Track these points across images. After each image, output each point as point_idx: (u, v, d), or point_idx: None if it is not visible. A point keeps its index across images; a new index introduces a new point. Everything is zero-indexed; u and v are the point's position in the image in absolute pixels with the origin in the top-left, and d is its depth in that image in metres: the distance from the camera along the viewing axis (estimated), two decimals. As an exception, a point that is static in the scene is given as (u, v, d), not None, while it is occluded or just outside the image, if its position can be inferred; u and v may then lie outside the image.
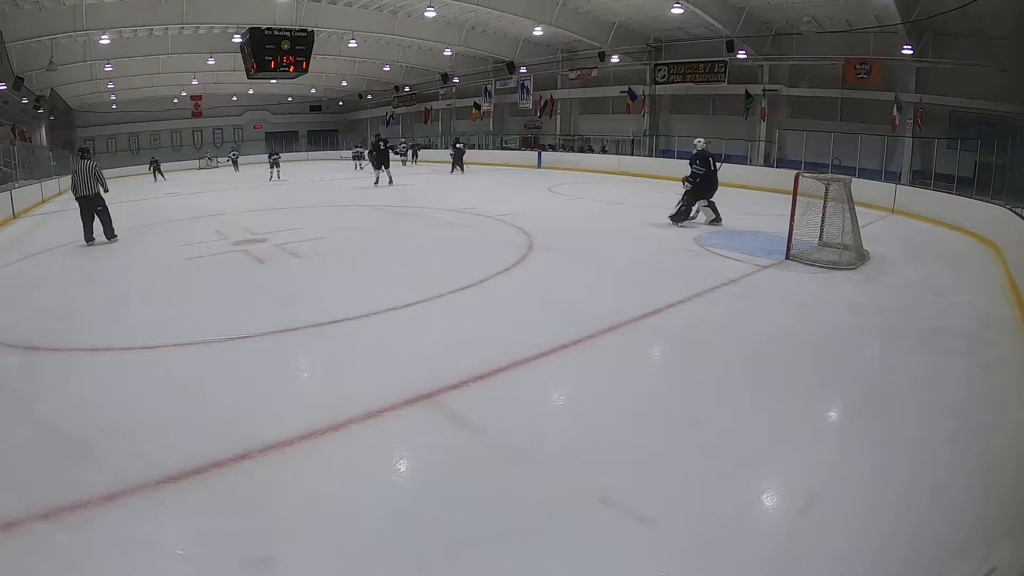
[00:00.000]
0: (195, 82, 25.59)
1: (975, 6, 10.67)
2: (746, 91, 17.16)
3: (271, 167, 20.13)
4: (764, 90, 17.06)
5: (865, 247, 6.65)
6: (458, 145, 19.77)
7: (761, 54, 16.65)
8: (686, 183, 8.72)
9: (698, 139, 8.94)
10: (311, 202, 12.97)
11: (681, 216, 8.64)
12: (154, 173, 22.65)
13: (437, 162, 23.19)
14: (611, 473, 2.62)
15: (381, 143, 15.87)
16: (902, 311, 4.93)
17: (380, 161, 15.47)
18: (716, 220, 8.68)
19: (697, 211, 8.76)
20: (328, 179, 18.73)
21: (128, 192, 16.75)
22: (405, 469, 2.81)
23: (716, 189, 8.79)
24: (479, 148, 24.19)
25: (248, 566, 2.08)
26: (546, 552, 2.15)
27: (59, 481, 2.53)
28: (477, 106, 25.65)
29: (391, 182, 15.27)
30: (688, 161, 8.81)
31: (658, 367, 4.17)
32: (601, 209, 11.07)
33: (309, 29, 13.54)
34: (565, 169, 19.41)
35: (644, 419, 3.16)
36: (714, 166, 8.64)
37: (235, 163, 26.15)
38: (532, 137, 24.60)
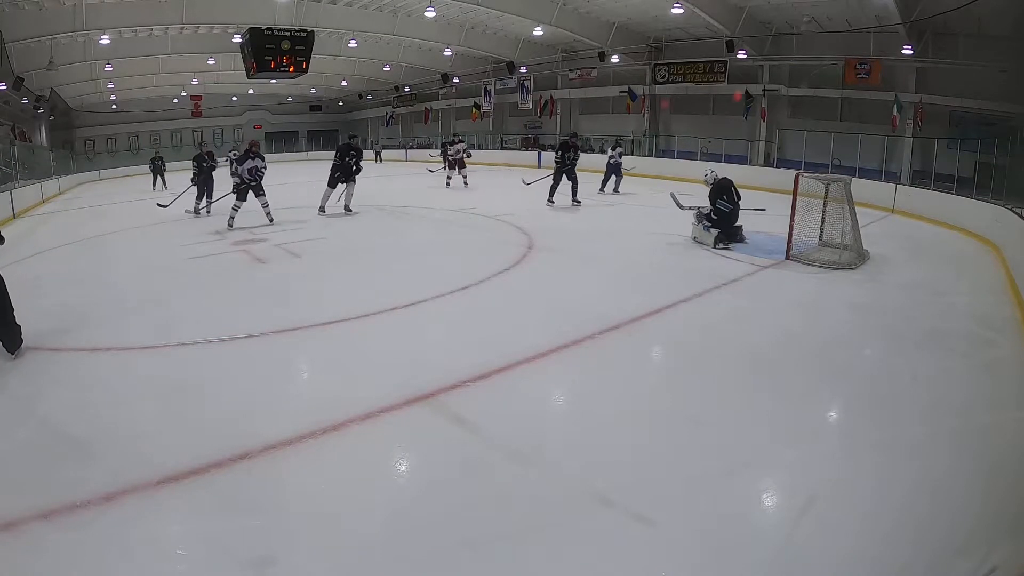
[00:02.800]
0: (195, 82, 25.57)
1: (975, 6, 10.67)
2: (746, 91, 17.16)
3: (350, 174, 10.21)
4: (764, 90, 17.05)
5: (865, 247, 6.65)
6: (573, 141, 11.03)
7: (761, 54, 16.64)
8: (701, 217, 7.47)
9: (709, 170, 7.69)
10: (312, 202, 12.95)
11: (728, 238, 7.30)
12: (154, 176, 17.43)
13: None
14: (611, 473, 2.62)
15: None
16: (902, 311, 4.93)
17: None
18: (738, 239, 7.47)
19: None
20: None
21: (129, 192, 16.75)
22: (405, 469, 2.81)
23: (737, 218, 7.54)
24: (479, 148, 24.18)
25: (248, 566, 2.08)
26: (546, 552, 2.15)
27: (59, 481, 2.53)
28: (477, 106, 25.64)
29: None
30: (708, 198, 7.43)
31: (658, 367, 4.17)
32: (601, 209, 11.06)
33: (309, 29, 13.51)
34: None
35: (644, 419, 3.16)
36: (738, 196, 7.43)
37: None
38: (532, 137, 24.61)
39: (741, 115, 17.48)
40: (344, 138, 11.47)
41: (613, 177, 13.29)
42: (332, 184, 10.40)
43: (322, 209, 10.43)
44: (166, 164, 18.15)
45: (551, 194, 11.07)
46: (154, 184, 17.32)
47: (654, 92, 19.65)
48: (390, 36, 19.26)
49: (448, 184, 14.48)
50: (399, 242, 8.29)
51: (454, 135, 17.58)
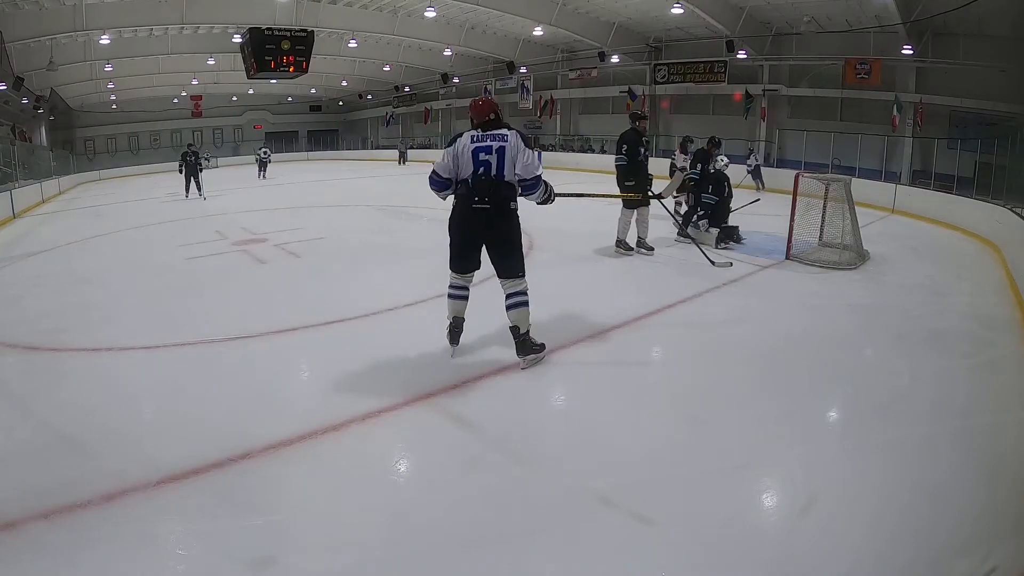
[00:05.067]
0: (195, 82, 25.61)
1: (975, 6, 10.69)
2: (746, 91, 17.17)
3: None
4: (764, 90, 17.07)
5: (865, 247, 6.65)
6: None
7: (761, 54, 16.66)
8: (687, 181, 7.62)
9: (722, 157, 7.63)
10: (312, 202, 12.97)
11: (726, 236, 7.32)
12: (187, 178, 13.61)
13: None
14: (611, 473, 2.61)
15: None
16: (902, 311, 4.93)
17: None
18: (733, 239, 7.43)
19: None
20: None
21: (130, 192, 16.76)
22: (405, 469, 2.81)
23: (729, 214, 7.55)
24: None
25: (248, 566, 2.07)
26: (546, 552, 2.14)
27: (59, 481, 2.53)
28: (477, 106, 25.62)
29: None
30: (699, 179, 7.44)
31: (658, 367, 4.16)
32: (601, 209, 11.02)
33: (309, 29, 13.56)
34: (565, 169, 19.40)
35: (644, 419, 3.16)
36: (728, 192, 7.42)
37: (263, 166, 20.12)
38: (532, 137, 24.62)
39: (741, 115, 17.49)
40: (629, 119, 6.85)
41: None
42: (631, 203, 6.64)
43: (621, 244, 6.90)
44: (201, 161, 13.94)
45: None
46: (187, 188, 13.63)
47: (654, 92, 19.66)
48: (390, 36, 19.29)
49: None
50: (399, 242, 8.28)
51: (687, 138, 9.92)
